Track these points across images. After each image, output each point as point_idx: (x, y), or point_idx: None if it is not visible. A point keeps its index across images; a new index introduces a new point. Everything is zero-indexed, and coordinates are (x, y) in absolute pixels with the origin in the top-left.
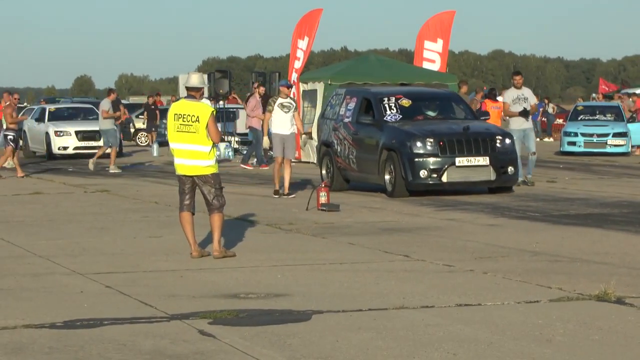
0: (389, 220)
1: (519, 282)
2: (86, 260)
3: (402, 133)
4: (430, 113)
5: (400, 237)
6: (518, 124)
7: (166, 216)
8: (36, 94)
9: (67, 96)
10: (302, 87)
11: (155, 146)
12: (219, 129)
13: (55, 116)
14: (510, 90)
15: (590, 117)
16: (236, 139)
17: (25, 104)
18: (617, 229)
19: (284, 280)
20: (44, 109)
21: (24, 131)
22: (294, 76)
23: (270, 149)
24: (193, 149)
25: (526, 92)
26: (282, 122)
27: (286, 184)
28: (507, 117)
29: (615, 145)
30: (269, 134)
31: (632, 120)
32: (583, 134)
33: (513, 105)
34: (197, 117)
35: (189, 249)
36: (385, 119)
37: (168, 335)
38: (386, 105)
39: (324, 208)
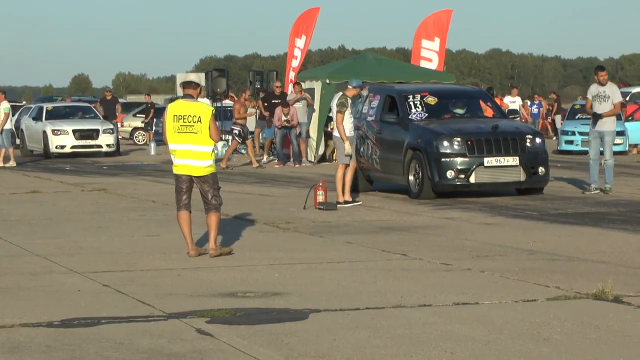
0: (386, 219)
1: (516, 281)
2: (83, 259)
3: (428, 132)
4: (458, 111)
5: (398, 235)
6: (597, 125)
7: (163, 215)
8: (34, 93)
9: (65, 95)
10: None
11: (152, 145)
12: (219, 128)
13: (53, 115)
14: (592, 86)
15: (588, 116)
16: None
17: (23, 102)
18: (615, 228)
19: (281, 279)
20: (41, 108)
21: (22, 130)
22: (291, 75)
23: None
24: (196, 150)
25: (609, 89)
26: (351, 123)
27: (349, 190)
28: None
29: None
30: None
31: (630, 119)
32: (580, 133)
33: (594, 103)
34: (199, 117)
35: (186, 248)
36: (410, 117)
37: (165, 334)
38: (411, 103)
39: (322, 207)
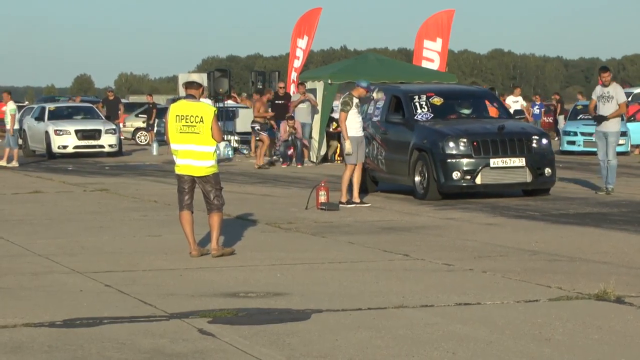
0: (388, 219)
1: (518, 281)
2: (85, 259)
3: (434, 133)
4: (463, 112)
5: (399, 236)
6: (600, 125)
7: (165, 215)
8: (36, 93)
9: (67, 95)
10: None
11: (154, 145)
12: (221, 128)
13: (55, 115)
14: (597, 87)
15: (590, 117)
16: (236, 137)
17: (26, 102)
18: (616, 229)
19: (283, 279)
20: (43, 108)
21: (24, 130)
22: (293, 75)
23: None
24: (198, 150)
25: (613, 89)
26: (357, 123)
27: (357, 191)
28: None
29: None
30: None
31: (632, 119)
32: (582, 133)
33: (598, 103)
34: (201, 117)
35: (188, 248)
36: (416, 118)
37: (167, 334)
38: (417, 104)
39: (324, 207)
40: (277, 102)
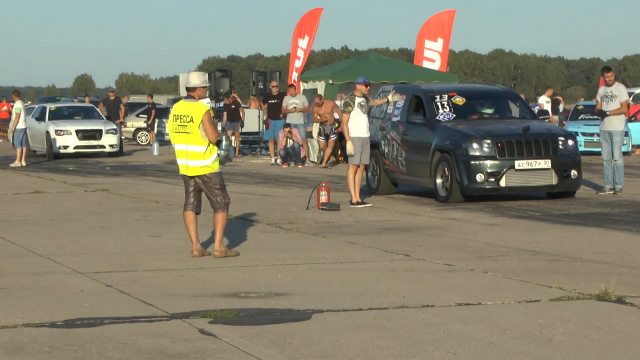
0: (389, 219)
1: (519, 282)
2: (86, 259)
3: (457, 133)
4: (486, 112)
5: (400, 236)
6: (604, 125)
7: (166, 215)
8: (37, 93)
9: (67, 95)
10: (303, 86)
11: (155, 145)
12: (216, 128)
13: (56, 115)
14: (600, 88)
15: (591, 117)
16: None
17: (28, 102)
18: (617, 229)
19: (284, 279)
20: (44, 108)
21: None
22: (294, 75)
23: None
24: (189, 150)
25: (615, 89)
26: (362, 123)
27: (358, 191)
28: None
29: (622, 144)
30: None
31: (632, 119)
32: (584, 134)
33: (602, 103)
34: (191, 117)
35: (189, 248)
36: (437, 118)
37: (168, 334)
38: (438, 104)
39: (325, 207)
40: (271, 101)
